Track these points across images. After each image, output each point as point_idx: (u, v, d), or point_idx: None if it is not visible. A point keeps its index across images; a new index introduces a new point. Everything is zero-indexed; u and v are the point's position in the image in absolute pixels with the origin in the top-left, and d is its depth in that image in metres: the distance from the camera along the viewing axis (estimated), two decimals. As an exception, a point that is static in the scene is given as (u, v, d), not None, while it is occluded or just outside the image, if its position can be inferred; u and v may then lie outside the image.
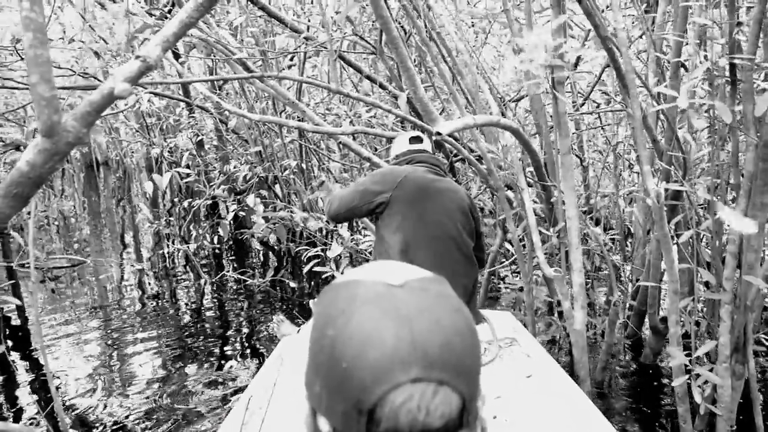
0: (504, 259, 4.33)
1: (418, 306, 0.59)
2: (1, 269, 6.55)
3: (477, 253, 2.57)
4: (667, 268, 2.15)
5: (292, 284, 5.04)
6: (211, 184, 7.44)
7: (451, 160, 3.82)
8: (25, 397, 3.48)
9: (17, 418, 3.22)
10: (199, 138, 7.35)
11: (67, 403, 3.34)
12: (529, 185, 3.58)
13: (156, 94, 5.68)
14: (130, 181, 14.22)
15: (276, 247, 6.21)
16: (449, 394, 0.57)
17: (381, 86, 3.90)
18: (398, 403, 0.55)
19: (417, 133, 2.68)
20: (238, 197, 7.11)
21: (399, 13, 3.68)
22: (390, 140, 6.43)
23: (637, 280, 3.31)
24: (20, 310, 5.27)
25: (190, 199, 6.84)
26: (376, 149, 6.41)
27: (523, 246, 3.36)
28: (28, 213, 9.86)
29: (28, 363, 3.99)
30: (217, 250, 6.62)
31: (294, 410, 1.79)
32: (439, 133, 1.66)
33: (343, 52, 3.75)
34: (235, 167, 6.66)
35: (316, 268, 3.91)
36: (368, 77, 3.93)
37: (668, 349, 2.31)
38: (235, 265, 5.92)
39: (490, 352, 2.27)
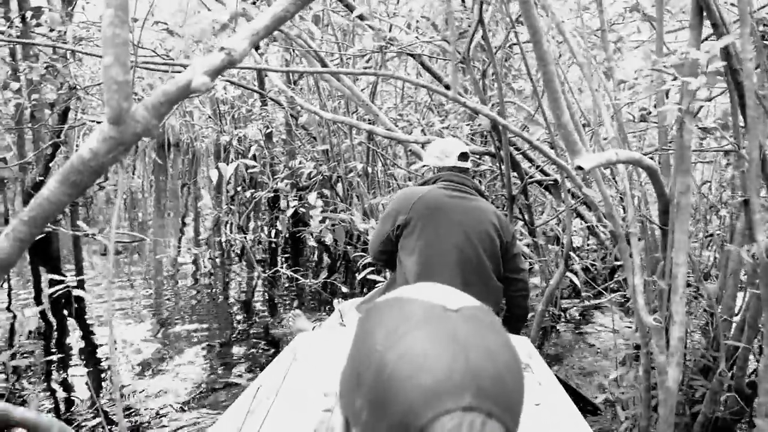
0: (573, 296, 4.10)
1: (474, 334, 0.59)
2: (68, 239, 6.70)
3: (508, 274, 2.46)
4: (766, 332, 1.92)
5: (344, 289, 4.94)
6: (275, 177, 7.44)
7: (525, 182, 3.63)
8: (79, 369, 3.52)
9: (68, 390, 3.22)
10: (269, 130, 7.36)
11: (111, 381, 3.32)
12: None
13: (231, 83, 5.69)
14: (198, 165, 14.52)
15: (332, 249, 6.12)
16: (496, 428, 0.56)
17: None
18: (447, 429, 0.54)
19: (465, 148, 2.55)
20: (300, 193, 7.07)
21: (490, 21, 3.52)
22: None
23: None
24: (80, 280, 5.38)
25: (253, 190, 6.84)
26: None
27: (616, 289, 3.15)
28: (100, 186, 10.16)
29: (82, 334, 4.04)
30: (273, 244, 6.59)
31: (301, 404, 1.75)
32: (581, 168, 1.48)
33: (421, 55, 3.62)
34: (300, 163, 6.62)
35: (370, 276, 3.80)
36: (447, 87, 3.77)
37: (756, 420, 2.07)
38: (290, 262, 5.87)
39: None
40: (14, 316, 4.30)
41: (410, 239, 2.34)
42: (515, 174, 3.82)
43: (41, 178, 7.27)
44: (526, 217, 3.89)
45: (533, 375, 2.27)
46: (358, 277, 4.21)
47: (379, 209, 6.32)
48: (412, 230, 2.34)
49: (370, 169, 6.00)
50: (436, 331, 0.58)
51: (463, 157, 2.51)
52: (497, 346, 0.59)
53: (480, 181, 6.60)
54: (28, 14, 4.29)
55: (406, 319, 0.60)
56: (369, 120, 5.57)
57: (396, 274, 2.46)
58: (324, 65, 3.83)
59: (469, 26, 3.36)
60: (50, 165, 7.44)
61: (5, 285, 5.20)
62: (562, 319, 4.22)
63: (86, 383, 3.31)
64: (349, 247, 5.65)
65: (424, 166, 2.58)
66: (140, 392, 3.23)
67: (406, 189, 2.48)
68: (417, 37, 2.63)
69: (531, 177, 3.63)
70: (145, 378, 3.40)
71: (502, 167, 3.60)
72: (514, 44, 3.81)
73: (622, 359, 3.27)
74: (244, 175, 8.93)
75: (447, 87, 3.89)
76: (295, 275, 5.09)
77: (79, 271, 5.69)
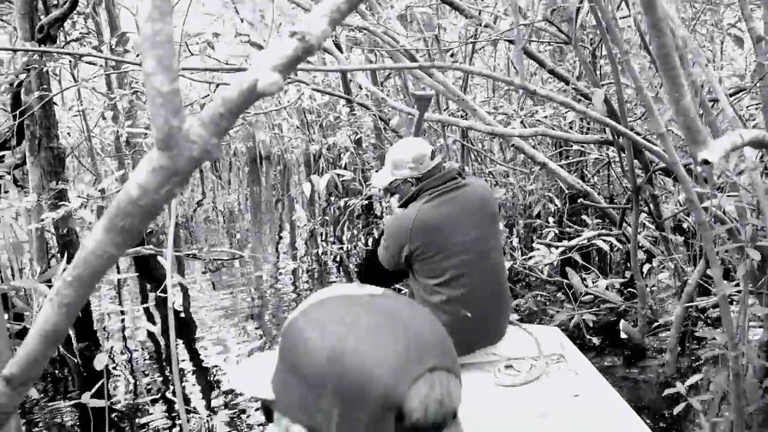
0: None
1: (404, 309, 0.64)
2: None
3: None
4: None
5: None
6: (367, 183, 7.26)
7: (652, 171, 3.20)
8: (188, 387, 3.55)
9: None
10: (358, 136, 7.17)
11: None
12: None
13: (318, 90, 5.54)
14: (290, 176, 14.66)
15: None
16: (455, 378, 0.62)
17: (567, 82, 3.37)
18: (424, 393, 0.59)
19: (430, 146, 2.39)
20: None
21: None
22: (567, 142, 5.83)
23: None
24: (184, 296, 5.48)
25: (346, 198, 6.68)
26: (563, 151, 5.84)
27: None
28: (198, 204, 10.38)
29: (187, 351, 4.04)
30: (371, 254, 6.39)
31: None
32: (707, 162, 1.14)
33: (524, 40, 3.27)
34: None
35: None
36: (552, 71, 3.41)
37: None
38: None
39: (537, 368, 2.21)
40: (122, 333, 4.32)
41: (429, 263, 2.27)
42: (638, 162, 3.40)
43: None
44: (653, 209, 3.46)
45: (568, 365, 2.24)
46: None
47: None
48: (425, 255, 2.26)
49: (467, 168, 5.67)
50: (376, 316, 0.62)
51: (433, 154, 2.37)
52: (420, 311, 0.65)
53: (587, 172, 6.13)
54: (113, 41, 4.29)
55: (344, 315, 0.62)
56: (462, 116, 5.25)
57: (414, 288, 2.39)
58: (413, 60, 3.56)
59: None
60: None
61: (118, 304, 5.31)
62: (700, 321, 3.74)
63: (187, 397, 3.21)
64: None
65: (395, 180, 2.36)
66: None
67: (395, 220, 2.34)
68: (517, 17, 2.31)
69: (657, 165, 3.20)
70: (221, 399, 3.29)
71: (623, 156, 3.19)
72: (626, 17, 3.39)
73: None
74: (337, 183, 8.83)
75: (552, 72, 3.53)
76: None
77: (185, 289, 5.79)
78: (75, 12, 5.91)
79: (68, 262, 5.43)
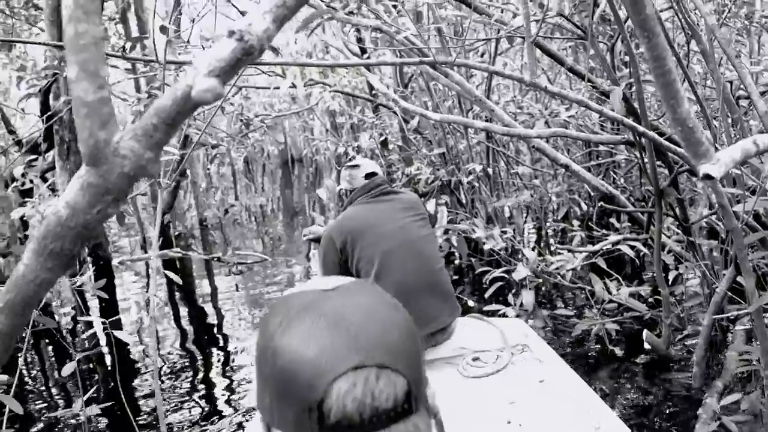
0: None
1: (352, 303, 0.62)
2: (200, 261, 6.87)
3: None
4: None
5: (471, 303, 4.53)
6: (393, 185, 7.16)
7: (676, 172, 3.04)
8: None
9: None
10: (383, 138, 7.10)
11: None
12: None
13: (339, 92, 5.48)
14: (321, 178, 14.67)
15: (455, 261, 5.70)
16: (393, 377, 0.58)
17: (586, 80, 3.22)
18: (343, 391, 0.57)
19: (373, 168, 2.75)
20: (421, 199, 6.73)
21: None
22: (588, 144, 5.64)
23: None
24: (213, 298, 5.51)
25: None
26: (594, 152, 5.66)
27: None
28: (227, 209, 10.44)
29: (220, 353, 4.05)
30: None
31: None
32: (709, 177, 1.02)
33: (540, 37, 3.14)
34: (417, 169, 6.28)
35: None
36: (571, 69, 3.27)
37: None
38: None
39: (502, 358, 2.30)
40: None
41: (358, 258, 2.48)
42: (661, 163, 3.24)
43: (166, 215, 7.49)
44: (678, 212, 3.28)
45: (532, 353, 2.34)
46: (487, 293, 3.79)
47: (505, 213, 5.84)
48: (353, 249, 2.49)
49: (491, 170, 5.54)
50: (313, 311, 0.62)
51: (371, 175, 2.70)
52: (379, 306, 0.63)
53: (615, 173, 5.92)
54: (128, 45, 4.30)
55: (287, 311, 0.63)
56: (486, 117, 5.12)
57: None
58: (432, 62, 3.46)
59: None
60: (176, 194, 7.69)
61: (145, 306, 5.35)
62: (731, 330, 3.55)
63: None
64: (473, 259, 5.21)
65: (340, 190, 2.82)
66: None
67: (326, 234, 2.62)
68: (527, 10, 2.19)
69: (681, 166, 3.04)
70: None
71: (644, 157, 3.04)
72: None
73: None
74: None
75: (571, 70, 3.39)
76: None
77: (214, 290, 5.83)
78: (104, 17, 5.97)
79: (95, 265, 5.45)
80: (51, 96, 6.29)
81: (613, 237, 3.91)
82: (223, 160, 14.53)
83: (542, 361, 2.28)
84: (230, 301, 5.45)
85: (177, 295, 5.92)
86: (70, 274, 6.23)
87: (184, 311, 5.44)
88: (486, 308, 3.57)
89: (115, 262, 7.17)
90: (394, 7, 3.82)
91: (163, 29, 3.20)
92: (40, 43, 4.28)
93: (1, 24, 7.60)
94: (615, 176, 5.73)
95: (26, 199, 5.25)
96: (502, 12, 4.13)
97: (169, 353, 4.21)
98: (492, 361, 2.31)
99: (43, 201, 5.64)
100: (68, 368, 2.15)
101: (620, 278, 3.75)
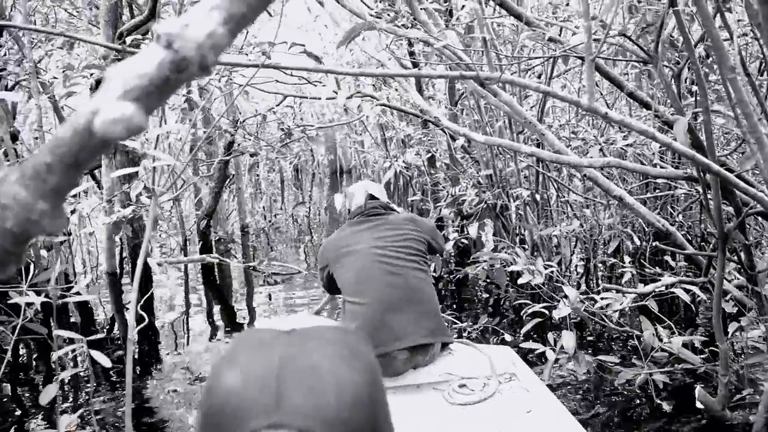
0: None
1: (296, 352, 0.58)
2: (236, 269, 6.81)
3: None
4: None
5: (508, 337, 4.26)
6: (437, 204, 6.96)
7: (744, 214, 2.73)
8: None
9: None
10: (429, 154, 6.89)
11: None
12: None
13: (385, 105, 5.32)
14: (368, 191, 14.52)
15: (495, 292, 5.42)
16: None
17: (647, 107, 2.96)
18: None
19: (374, 190, 2.82)
20: (464, 223, 6.49)
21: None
22: (646, 177, 5.30)
23: None
24: (249, 308, 5.41)
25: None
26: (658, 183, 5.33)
27: None
28: (268, 216, 10.41)
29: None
30: (442, 276, 6.03)
31: None
32: None
33: (599, 58, 2.89)
34: (462, 189, 6.05)
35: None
36: (631, 95, 3.00)
37: None
38: (455, 299, 5.29)
39: (490, 386, 2.29)
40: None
41: (339, 274, 2.60)
42: (727, 202, 2.93)
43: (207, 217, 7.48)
44: (744, 257, 2.97)
45: (520, 383, 2.34)
46: (524, 329, 3.53)
47: (552, 242, 5.54)
48: (336, 266, 2.62)
49: (539, 196, 5.27)
50: (253, 356, 0.59)
51: (370, 197, 2.77)
52: (328, 360, 0.58)
53: (673, 208, 5.56)
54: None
55: (235, 349, 0.61)
56: (536, 141, 4.87)
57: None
58: (478, 77, 3.26)
59: (655, 12, 2.59)
60: (219, 198, 7.67)
61: (184, 316, 5.29)
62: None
63: None
64: (511, 290, 4.92)
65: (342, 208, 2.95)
66: None
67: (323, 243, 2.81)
68: (589, 29, 1.96)
69: (751, 207, 2.73)
70: None
71: (709, 195, 2.75)
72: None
73: None
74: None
75: (631, 96, 3.12)
76: (450, 318, 4.51)
77: (250, 300, 5.73)
78: (155, 20, 5.99)
79: (133, 267, 5.42)
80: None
81: (668, 278, 3.59)
82: (273, 167, 14.59)
83: (530, 391, 2.28)
84: (260, 308, 5.36)
85: (213, 299, 5.86)
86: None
87: (216, 316, 5.36)
88: (522, 345, 3.31)
89: (152, 262, 7.17)
90: (447, 21, 3.64)
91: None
92: (96, 43, 4.25)
93: (66, 24, 7.77)
94: (673, 211, 5.37)
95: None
96: (561, 32, 3.89)
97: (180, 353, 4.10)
98: (479, 388, 2.30)
99: (84, 200, 5.65)
100: (46, 395, 1.98)
101: (672, 324, 3.43)
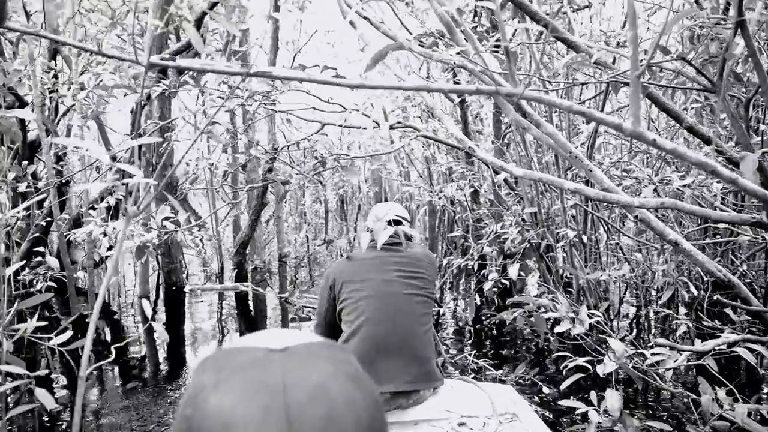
0: None
1: (298, 373, 0.52)
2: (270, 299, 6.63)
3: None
4: None
5: (546, 389, 3.90)
6: (479, 241, 6.66)
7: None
8: None
9: None
10: (472, 189, 6.61)
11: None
12: None
13: (426, 137, 5.10)
14: (412, 225, 14.30)
15: (536, 341, 5.05)
16: None
17: (708, 142, 2.64)
18: None
19: (399, 213, 2.74)
20: (505, 262, 6.16)
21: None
22: (705, 221, 4.90)
23: None
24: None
25: (450, 257, 6.11)
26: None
27: None
28: (325, 243, 10.25)
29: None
30: (480, 317, 5.69)
31: None
32: None
33: (652, 84, 2.59)
34: (506, 226, 5.74)
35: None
36: (690, 129, 2.69)
37: None
38: (494, 342, 4.94)
39: (490, 426, 2.24)
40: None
41: (345, 295, 2.50)
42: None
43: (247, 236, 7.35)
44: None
45: (521, 423, 2.28)
46: (564, 384, 3.18)
47: (600, 287, 5.16)
48: (342, 289, 2.52)
49: (586, 237, 4.92)
50: (250, 377, 0.52)
51: (395, 222, 2.67)
52: (334, 380, 0.53)
53: (735, 256, 5.12)
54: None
55: (220, 370, 0.53)
56: (583, 178, 4.55)
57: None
58: (497, 92, 3.01)
59: (718, 40, 2.30)
60: (255, 227, 7.54)
61: (212, 343, 5.13)
62: None
63: None
64: (552, 338, 4.56)
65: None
66: None
67: (333, 264, 2.70)
68: (636, 52, 1.70)
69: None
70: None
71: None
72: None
73: None
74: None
75: (690, 130, 2.80)
76: (483, 364, 4.17)
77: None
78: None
79: (167, 293, 5.28)
80: (143, 117, 6.34)
81: (729, 335, 3.19)
82: (319, 197, 14.55)
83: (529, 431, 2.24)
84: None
85: (244, 330, 5.68)
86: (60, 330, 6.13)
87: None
88: (561, 403, 2.97)
89: (186, 289, 7.07)
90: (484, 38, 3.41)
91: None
92: (134, 62, 4.17)
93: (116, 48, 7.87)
94: (735, 259, 4.94)
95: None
96: (614, 61, 3.60)
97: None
98: (479, 427, 2.25)
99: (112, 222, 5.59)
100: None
101: (734, 389, 3.04)
